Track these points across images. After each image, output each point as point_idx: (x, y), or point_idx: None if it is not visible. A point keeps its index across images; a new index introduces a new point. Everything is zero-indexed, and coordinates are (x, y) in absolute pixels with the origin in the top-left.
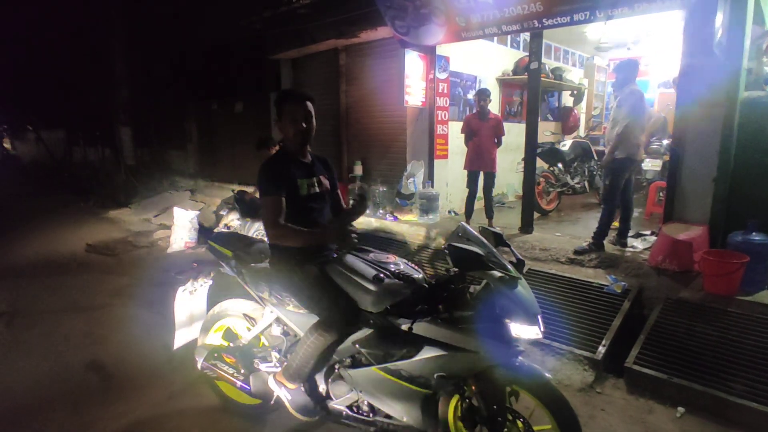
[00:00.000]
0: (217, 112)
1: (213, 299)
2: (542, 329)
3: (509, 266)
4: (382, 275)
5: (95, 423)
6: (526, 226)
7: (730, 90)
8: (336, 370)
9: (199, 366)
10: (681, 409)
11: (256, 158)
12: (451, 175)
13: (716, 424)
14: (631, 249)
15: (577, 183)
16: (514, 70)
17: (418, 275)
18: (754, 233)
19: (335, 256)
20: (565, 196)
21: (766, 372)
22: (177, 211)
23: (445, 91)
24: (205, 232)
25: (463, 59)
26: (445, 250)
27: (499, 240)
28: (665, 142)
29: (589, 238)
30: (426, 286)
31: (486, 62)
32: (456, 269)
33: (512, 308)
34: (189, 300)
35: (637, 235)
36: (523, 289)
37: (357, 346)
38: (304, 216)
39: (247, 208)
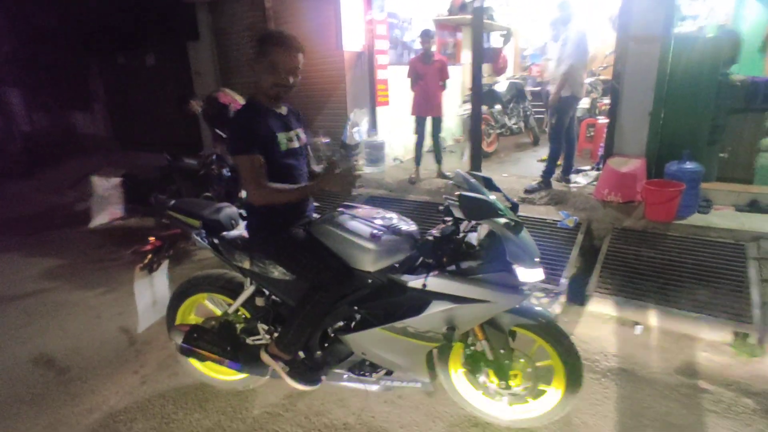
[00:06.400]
0: (125, 66)
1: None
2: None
3: (510, 211)
4: (378, 232)
5: (65, 420)
6: (476, 169)
7: (665, 26)
8: (331, 335)
9: (179, 349)
10: (639, 327)
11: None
12: (393, 122)
13: (670, 336)
14: (575, 184)
15: (514, 124)
16: (449, 10)
17: (411, 227)
18: (687, 162)
19: (318, 216)
20: (501, 137)
21: (704, 285)
22: (96, 180)
23: (384, 34)
24: (156, 201)
25: None
26: (455, 202)
27: (489, 185)
28: (588, 80)
29: (534, 177)
30: (419, 238)
31: (421, 2)
32: (449, 219)
33: (519, 253)
34: (149, 278)
35: (578, 171)
36: (525, 233)
37: (355, 308)
38: (283, 174)
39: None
